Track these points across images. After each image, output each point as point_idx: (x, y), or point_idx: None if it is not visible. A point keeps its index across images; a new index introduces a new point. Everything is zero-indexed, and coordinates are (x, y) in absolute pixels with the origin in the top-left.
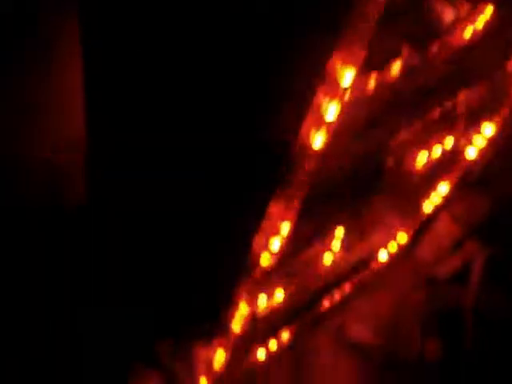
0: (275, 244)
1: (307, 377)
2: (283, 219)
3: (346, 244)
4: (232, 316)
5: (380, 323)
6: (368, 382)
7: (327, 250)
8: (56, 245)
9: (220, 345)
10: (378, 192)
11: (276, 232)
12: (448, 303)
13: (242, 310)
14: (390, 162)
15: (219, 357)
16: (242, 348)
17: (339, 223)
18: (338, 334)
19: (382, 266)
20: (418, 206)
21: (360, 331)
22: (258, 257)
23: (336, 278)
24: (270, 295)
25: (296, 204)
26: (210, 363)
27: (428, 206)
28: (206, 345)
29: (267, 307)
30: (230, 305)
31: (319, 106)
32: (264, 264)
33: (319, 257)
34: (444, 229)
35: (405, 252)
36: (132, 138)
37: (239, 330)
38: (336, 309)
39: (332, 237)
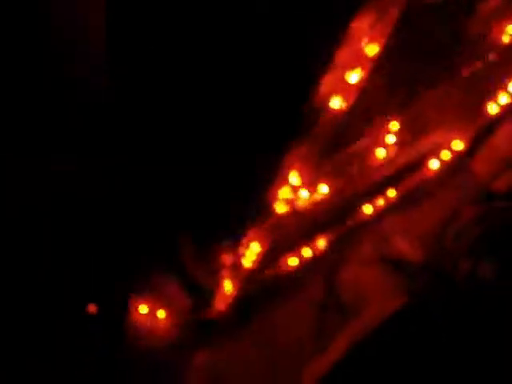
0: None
1: (342, 288)
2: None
3: (400, 141)
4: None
5: (426, 239)
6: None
7: (379, 145)
8: None
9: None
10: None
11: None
12: (504, 220)
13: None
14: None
15: (248, 260)
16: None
17: (394, 117)
18: (378, 248)
19: (432, 174)
20: (483, 105)
21: (403, 246)
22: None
23: (384, 178)
24: (313, 190)
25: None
26: (236, 267)
27: (493, 107)
28: (231, 250)
29: (309, 203)
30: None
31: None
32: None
33: (370, 151)
34: (504, 140)
35: (458, 162)
36: None
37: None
38: (378, 218)
39: (385, 130)
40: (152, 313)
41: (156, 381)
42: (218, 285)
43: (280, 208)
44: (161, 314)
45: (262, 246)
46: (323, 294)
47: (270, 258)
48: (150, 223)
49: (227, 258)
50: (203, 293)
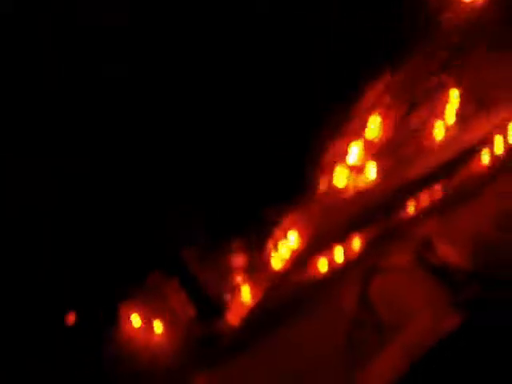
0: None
1: (378, 300)
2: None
3: (462, 115)
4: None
5: (475, 243)
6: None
7: (438, 119)
8: None
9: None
10: None
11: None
12: None
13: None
14: None
15: (278, 260)
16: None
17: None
18: (419, 254)
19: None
20: None
21: (449, 252)
22: None
23: (438, 166)
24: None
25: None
26: (260, 269)
27: None
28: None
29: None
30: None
31: None
32: None
33: (428, 126)
34: None
35: None
36: None
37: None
38: (420, 219)
39: (444, 101)
40: (147, 325)
41: None
42: (231, 292)
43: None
44: (157, 326)
45: (302, 237)
46: (356, 307)
47: (302, 258)
48: (146, 213)
49: (244, 259)
50: (210, 302)
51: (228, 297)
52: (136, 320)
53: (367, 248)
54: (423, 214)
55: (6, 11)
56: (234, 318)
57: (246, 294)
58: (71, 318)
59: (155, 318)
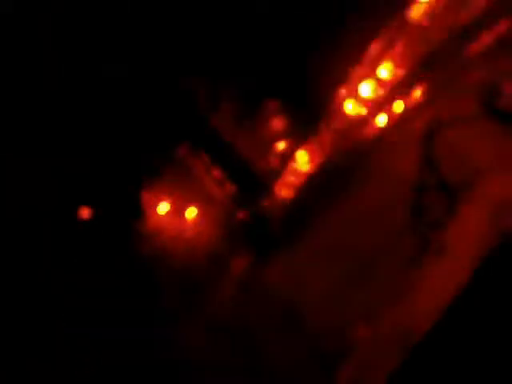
0: None
1: (441, 154)
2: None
3: None
4: None
5: None
6: None
7: None
8: None
9: None
10: None
11: None
12: None
13: None
14: None
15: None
16: None
17: None
18: (484, 99)
19: None
20: None
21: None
22: None
23: None
24: None
25: None
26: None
27: None
28: None
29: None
30: None
31: None
32: None
33: None
34: None
35: None
36: None
37: None
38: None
39: None
40: (177, 212)
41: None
42: (278, 160)
43: None
44: (190, 212)
45: None
46: (418, 169)
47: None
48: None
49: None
50: (252, 172)
51: (275, 165)
52: (165, 207)
53: (429, 96)
54: (487, 55)
55: (6, 11)
56: (285, 189)
57: (302, 158)
58: (86, 212)
59: (187, 202)
